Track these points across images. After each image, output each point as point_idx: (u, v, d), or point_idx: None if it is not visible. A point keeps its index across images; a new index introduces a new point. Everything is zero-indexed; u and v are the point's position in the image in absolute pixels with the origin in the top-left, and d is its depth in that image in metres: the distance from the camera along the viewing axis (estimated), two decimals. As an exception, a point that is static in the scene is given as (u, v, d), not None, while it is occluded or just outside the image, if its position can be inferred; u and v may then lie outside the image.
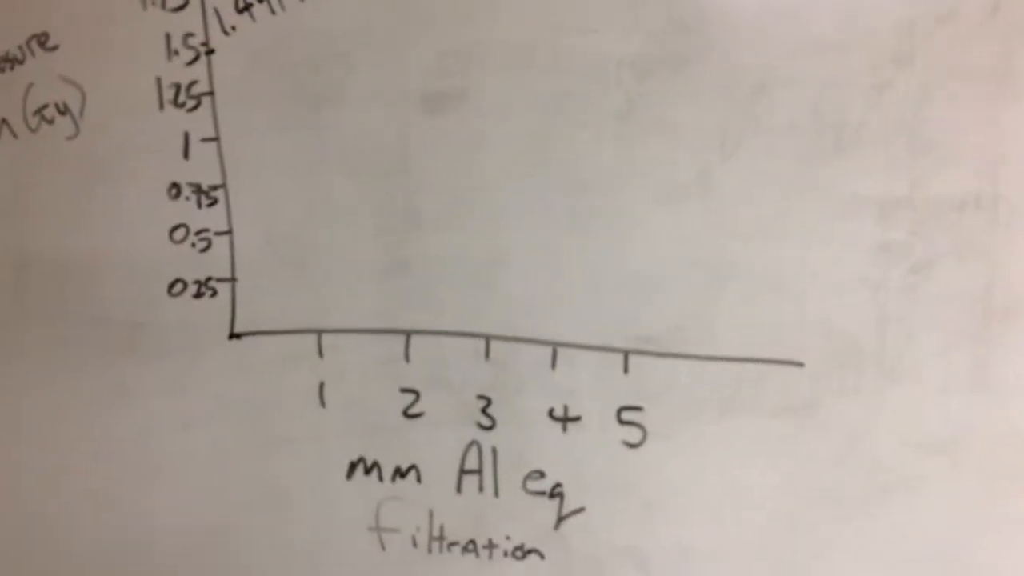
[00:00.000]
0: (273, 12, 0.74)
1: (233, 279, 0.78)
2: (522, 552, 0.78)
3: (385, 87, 0.74)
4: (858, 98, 0.71)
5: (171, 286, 0.79)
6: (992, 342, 0.72)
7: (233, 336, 0.79)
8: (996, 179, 0.70)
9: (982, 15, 0.68)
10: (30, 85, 0.78)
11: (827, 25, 0.70)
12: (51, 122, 0.78)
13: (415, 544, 0.79)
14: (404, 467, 0.79)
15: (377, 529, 0.79)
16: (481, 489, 0.78)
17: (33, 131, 0.78)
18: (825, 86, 0.71)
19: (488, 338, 0.77)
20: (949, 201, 0.71)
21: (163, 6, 0.75)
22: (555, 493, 0.77)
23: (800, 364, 0.74)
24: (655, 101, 0.73)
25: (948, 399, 0.72)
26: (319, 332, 0.78)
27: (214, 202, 0.77)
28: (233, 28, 0.75)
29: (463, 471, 0.78)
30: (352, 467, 0.79)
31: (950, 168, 0.70)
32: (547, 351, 0.76)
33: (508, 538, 0.78)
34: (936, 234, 0.71)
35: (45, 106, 0.78)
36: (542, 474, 0.77)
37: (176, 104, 0.76)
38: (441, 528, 0.79)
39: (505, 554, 0.78)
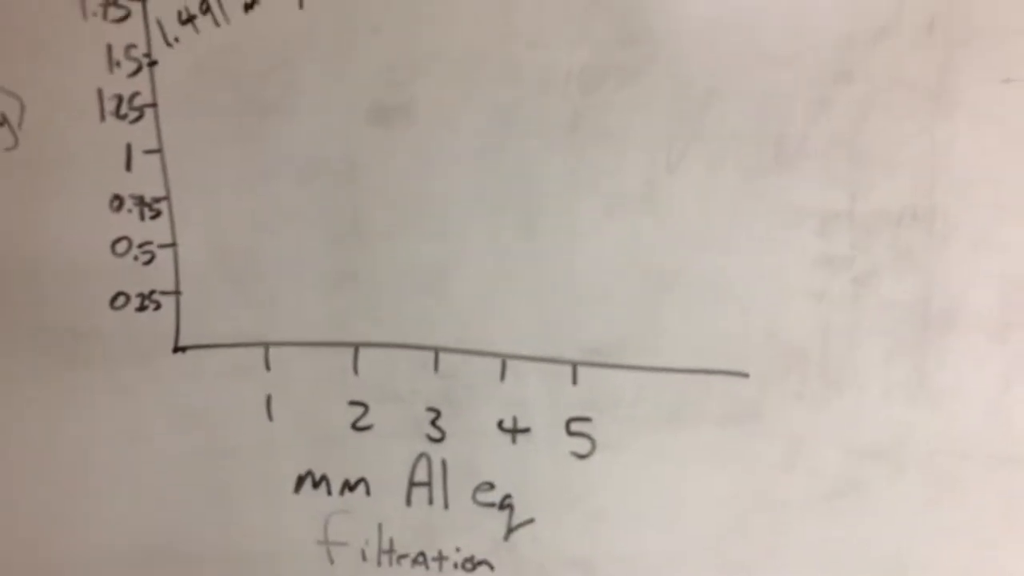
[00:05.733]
0: (217, 24, 0.73)
1: (177, 292, 0.77)
2: (472, 564, 0.78)
3: (332, 98, 0.74)
4: (800, 112, 0.72)
5: (113, 299, 0.77)
6: (932, 350, 0.73)
7: (178, 350, 0.78)
8: (933, 192, 0.72)
9: (918, 32, 0.70)
10: (-33, 95, 0.76)
11: (770, 40, 0.71)
12: (-12, 133, 0.77)
13: (364, 558, 0.78)
14: (353, 480, 0.78)
15: (326, 543, 0.78)
16: (431, 501, 0.78)
17: (-30, 142, 0.77)
18: (768, 99, 0.72)
19: (437, 350, 0.76)
20: (888, 213, 0.72)
21: (104, 17, 0.74)
22: (505, 504, 0.77)
23: (745, 375, 0.75)
24: (603, 112, 0.73)
25: (890, 406, 0.74)
26: (266, 345, 0.77)
27: (157, 214, 0.76)
28: (176, 39, 0.74)
29: (412, 483, 0.78)
30: (300, 481, 0.79)
31: (888, 181, 0.72)
32: (496, 363, 0.76)
33: (458, 550, 0.78)
34: (876, 246, 0.73)
35: (-18, 116, 0.76)
36: (492, 486, 0.77)
37: (118, 115, 0.75)
38: (391, 541, 0.78)
39: (455, 566, 0.78)
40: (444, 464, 0.77)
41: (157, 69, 0.75)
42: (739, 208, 0.73)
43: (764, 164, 0.72)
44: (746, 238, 0.73)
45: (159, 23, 0.74)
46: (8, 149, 0.76)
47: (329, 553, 0.78)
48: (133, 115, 0.75)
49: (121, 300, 0.77)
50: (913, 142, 0.71)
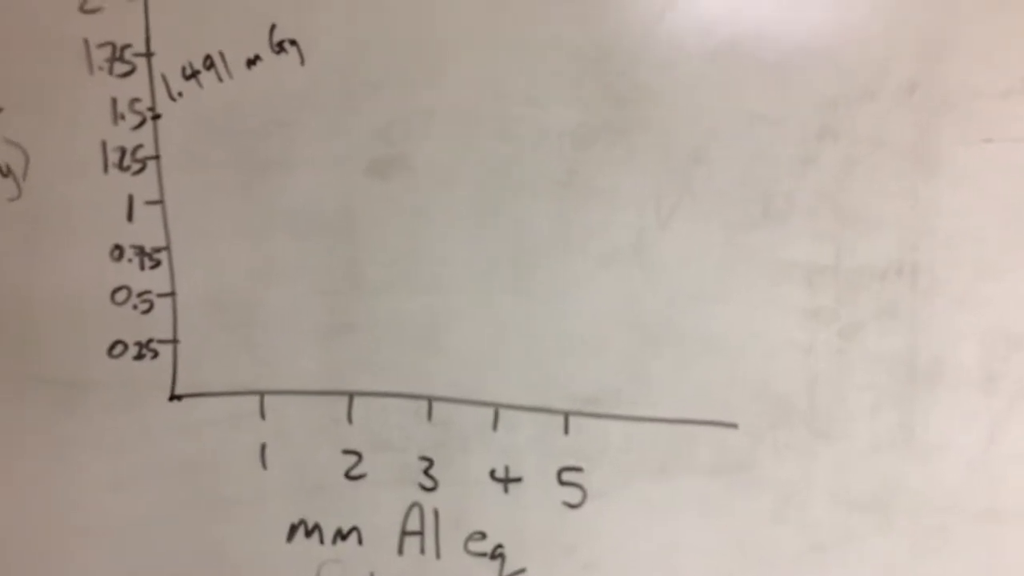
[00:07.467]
0: (220, 79, 0.75)
1: (175, 341, 0.78)
2: (464, 614, 0.78)
3: (331, 153, 0.76)
4: (786, 170, 0.74)
5: (111, 348, 0.78)
6: (917, 402, 0.74)
7: (174, 398, 0.78)
8: (916, 248, 0.73)
9: (901, 93, 0.72)
10: (-28, 146, 0.78)
11: (757, 100, 0.73)
12: (-8, 184, 0.78)
13: (356, 607, 0.78)
14: (345, 529, 0.78)
15: (318, 592, 0.79)
16: (423, 551, 0.78)
17: (-27, 192, 0.78)
18: (755, 158, 0.74)
19: (431, 399, 0.77)
20: (873, 269, 0.74)
21: (110, 71, 0.76)
22: (496, 554, 0.78)
23: (734, 425, 0.75)
24: (595, 169, 0.75)
25: (877, 457, 0.75)
26: (261, 394, 0.78)
27: (157, 264, 0.77)
28: (180, 94, 0.76)
29: (405, 533, 0.78)
30: (293, 529, 0.79)
31: (873, 237, 0.74)
32: (489, 412, 0.77)
33: (450, 600, 0.78)
34: (861, 300, 0.74)
35: (-13, 167, 0.78)
36: (483, 535, 0.78)
37: (121, 167, 0.77)
38: (382, 591, 0.78)
39: (447, 616, 0.78)
40: (436, 513, 0.78)
41: (160, 123, 0.76)
42: (727, 262, 0.75)
43: (751, 220, 0.74)
44: (734, 291, 0.75)
45: (164, 78, 0.76)
46: (12, 199, 0.77)
47: (320, 603, 0.78)
48: (136, 167, 0.77)
49: (119, 348, 0.78)
50: (897, 200, 0.73)
